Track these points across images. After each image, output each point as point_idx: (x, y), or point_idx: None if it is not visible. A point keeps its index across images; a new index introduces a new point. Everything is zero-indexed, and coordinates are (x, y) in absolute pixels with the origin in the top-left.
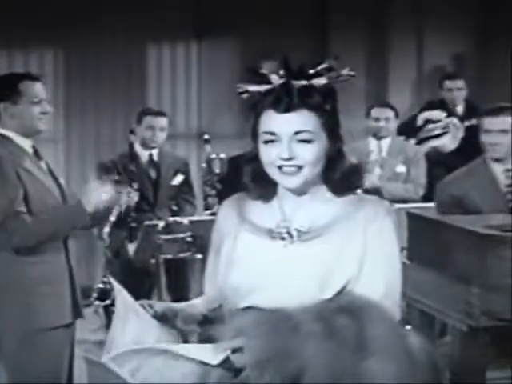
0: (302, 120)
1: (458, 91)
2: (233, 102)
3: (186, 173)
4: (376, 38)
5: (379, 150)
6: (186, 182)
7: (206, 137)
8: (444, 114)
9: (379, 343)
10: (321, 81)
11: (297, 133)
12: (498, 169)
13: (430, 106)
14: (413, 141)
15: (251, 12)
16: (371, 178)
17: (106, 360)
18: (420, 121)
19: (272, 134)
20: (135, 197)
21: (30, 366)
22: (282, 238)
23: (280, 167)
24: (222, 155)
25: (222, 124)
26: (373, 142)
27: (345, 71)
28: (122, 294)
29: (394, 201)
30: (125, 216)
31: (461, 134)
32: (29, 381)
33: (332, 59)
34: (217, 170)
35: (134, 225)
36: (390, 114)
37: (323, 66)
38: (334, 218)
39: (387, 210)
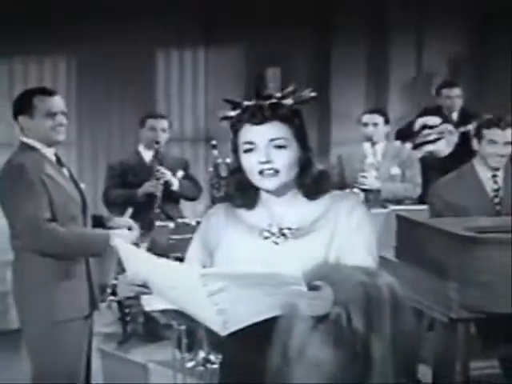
0: (275, 129)
1: (455, 99)
2: None
3: (186, 169)
4: (377, 42)
5: (374, 153)
6: (187, 176)
7: (214, 142)
8: (439, 120)
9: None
10: (288, 101)
11: (271, 140)
12: (485, 175)
13: (427, 112)
14: (409, 145)
15: (256, 19)
16: (371, 180)
17: (201, 274)
18: (417, 126)
19: (250, 143)
20: (160, 188)
21: (52, 355)
22: (276, 237)
23: (260, 172)
24: (228, 160)
25: (229, 128)
26: (367, 147)
27: (306, 92)
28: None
29: (393, 200)
30: (152, 205)
31: (455, 139)
32: (51, 369)
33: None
34: (223, 174)
35: (160, 222)
36: (379, 119)
37: (289, 89)
38: (321, 213)
39: (361, 201)
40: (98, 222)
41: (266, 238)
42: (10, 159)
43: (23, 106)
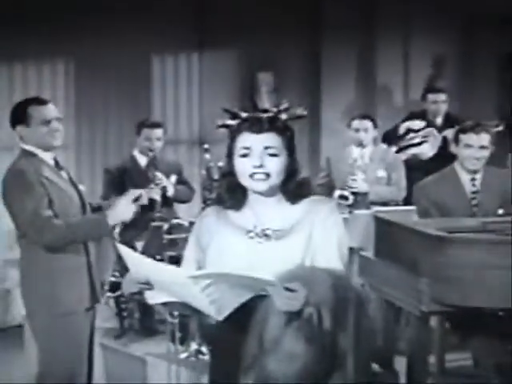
0: (270, 139)
1: (440, 104)
2: (232, 108)
3: (179, 173)
4: (365, 45)
5: (362, 157)
6: (180, 180)
7: (206, 146)
8: (424, 124)
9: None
10: (282, 116)
11: (266, 148)
12: (465, 177)
13: (412, 116)
14: (394, 148)
15: (249, 25)
16: (360, 182)
17: (189, 277)
18: (402, 129)
19: (247, 148)
20: (157, 194)
21: (57, 344)
22: (259, 237)
23: (252, 175)
24: (220, 163)
25: (222, 130)
26: (356, 150)
27: (299, 111)
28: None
29: (379, 202)
30: (152, 209)
31: (438, 142)
32: (56, 357)
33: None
34: (215, 177)
35: (155, 223)
36: (369, 124)
37: (284, 106)
38: (300, 217)
39: (336, 207)
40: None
41: (251, 238)
42: (11, 166)
43: (19, 116)
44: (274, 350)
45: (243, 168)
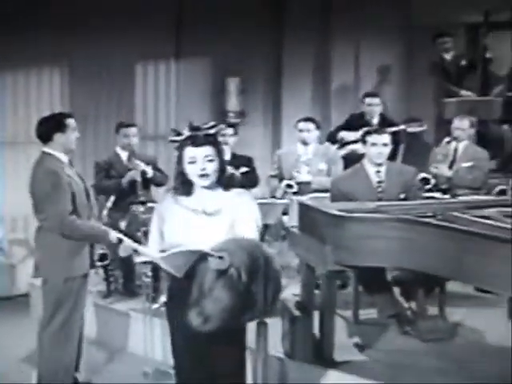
0: (207, 150)
1: (375, 106)
2: (205, 109)
3: (154, 163)
4: (321, 53)
5: (306, 152)
6: (155, 168)
7: (177, 144)
8: (357, 134)
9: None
10: (211, 131)
11: (205, 156)
12: (372, 170)
13: (352, 117)
14: (335, 145)
15: (219, 38)
16: (304, 174)
17: (162, 257)
18: (339, 137)
19: (193, 157)
20: (138, 176)
21: (65, 301)
22: (200, 214)
23: (199, 175)
24: None
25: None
26: (300, 147)
27: (229, 131)
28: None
29: (321, 190)
30: (131, 192)
31: None
32: (63, 310)
33: (224, 124)
34: None
35: (138, 201)
36: (311, 126)
37: (210, 125)
38: (228, 202)
39: (253, 198)
40: None
41: (195, 214)
42: (41, 165)
43: (59, 125)
44: (209, 294)
45: (191, 171)
